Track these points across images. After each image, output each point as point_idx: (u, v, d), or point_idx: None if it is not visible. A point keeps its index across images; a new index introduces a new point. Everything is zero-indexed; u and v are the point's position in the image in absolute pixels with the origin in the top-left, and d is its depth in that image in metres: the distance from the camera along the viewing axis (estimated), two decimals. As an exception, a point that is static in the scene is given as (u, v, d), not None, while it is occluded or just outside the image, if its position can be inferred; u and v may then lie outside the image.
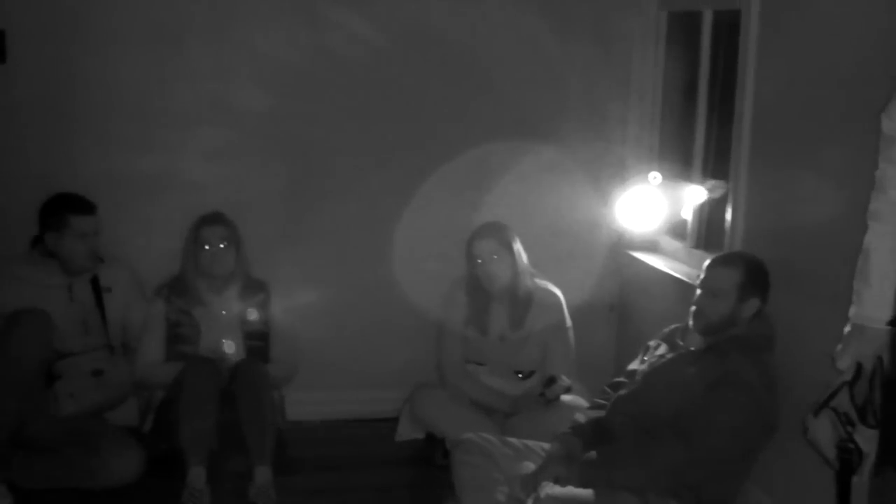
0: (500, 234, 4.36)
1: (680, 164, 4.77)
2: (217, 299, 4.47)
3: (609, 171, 5.05)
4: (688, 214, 4.63)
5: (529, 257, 4.46)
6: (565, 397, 4.22)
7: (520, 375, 4.45)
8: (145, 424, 4.50)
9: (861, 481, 2.77)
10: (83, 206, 4.34)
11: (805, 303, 3.57)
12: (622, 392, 3.69)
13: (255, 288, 4.54)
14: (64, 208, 4.32)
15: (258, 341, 4.49)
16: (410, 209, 4.93)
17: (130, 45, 4.68)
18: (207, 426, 4.06)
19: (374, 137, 4.93)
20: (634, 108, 5.07)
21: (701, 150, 4.57)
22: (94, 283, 4.44)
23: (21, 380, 4.08)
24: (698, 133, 4.58)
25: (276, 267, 4.73)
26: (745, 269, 3.56)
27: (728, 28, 4.31)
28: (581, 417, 3.72)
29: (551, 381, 4.25)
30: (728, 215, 4.07)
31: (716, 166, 4.43)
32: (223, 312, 4.47)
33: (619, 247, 5.10)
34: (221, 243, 4.43)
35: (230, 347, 4.42)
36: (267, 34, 4.78)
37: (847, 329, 2.78)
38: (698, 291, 3.62)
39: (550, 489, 3.37)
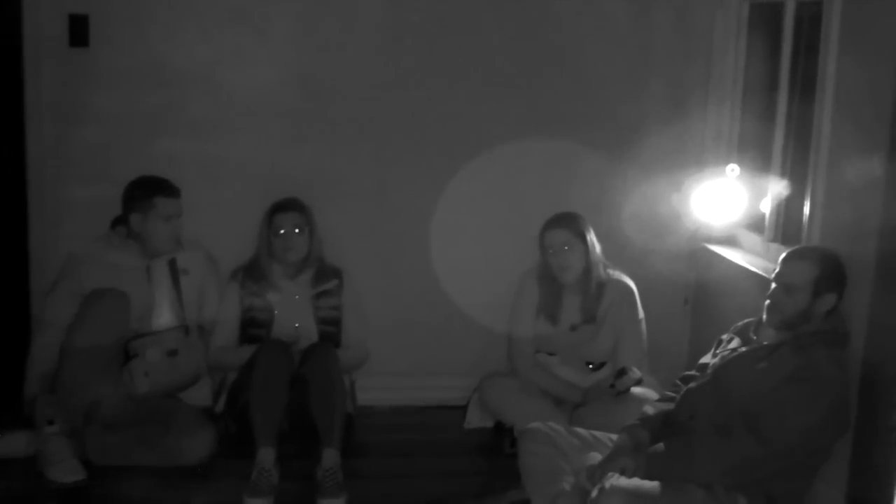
0: (573, 224, 4.33)
1: (759, 157, 4.70)
2: (291, 284, 4.51)
3: (687, 164, 4.99)
4: (766, 208, 4.56)
5: (604, 248, 4.43)
6: (635, 389, 4.18)
7: (590, 366, 4.43)
8: (218, 405, 4.56)
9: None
10: (169, 188, 4.41)
11: (883, 299, 3.49)
12: (692, 385, 3.65)
13: (328, 273, 4.57)
14: (151, 190, 4.38)
15: (330, 326, 4.53)
16: (484, 198, 4.94)
17: (210, 28, 4.73)
18: (278, 408, 4.11)
19: (450, 125, 4.93)
20: (714, 100, 5.00)
21: (781, 143, 4.49)
22: (172, 265, 4.51)
23: (98, 356, 4.15)
24: (778, 125, 4.50)
25: (350, 253, 4.76)
26: (822, 263, 3.50)
27: (810, 20, 4.24)
28: (650, 409, 3.69)
29: (622, 372, 4.21)
30: (806, 209, 4.00)
31: (795, 159, 4.35)
32: (296, 297, 4.51)
33: (696, 240, 5.04)
34: (295, 230, 4.46)
35: (302, 332, 4.45)
36: (349, 14, 4.80)
37: None
38: (773, 285, 3.56)
39: (616, 480, 3.34)
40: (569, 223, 4.33)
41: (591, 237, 4.34)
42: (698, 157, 5.02)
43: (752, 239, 4.76)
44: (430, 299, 5.00)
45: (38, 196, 4.82)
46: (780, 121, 4.49)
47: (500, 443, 4.44)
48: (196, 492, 3.98)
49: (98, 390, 4.21)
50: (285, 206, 4.50)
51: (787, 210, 4.44)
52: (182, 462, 4.13)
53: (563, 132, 4.91)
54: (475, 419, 4.58)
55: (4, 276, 4.83)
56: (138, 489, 3.99)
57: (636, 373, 4.21)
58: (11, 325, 4.85)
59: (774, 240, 4.52)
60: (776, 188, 4.41)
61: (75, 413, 4.14)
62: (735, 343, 3.69)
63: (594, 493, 3.33)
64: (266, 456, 4.00)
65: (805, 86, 4.27)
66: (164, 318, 4.44)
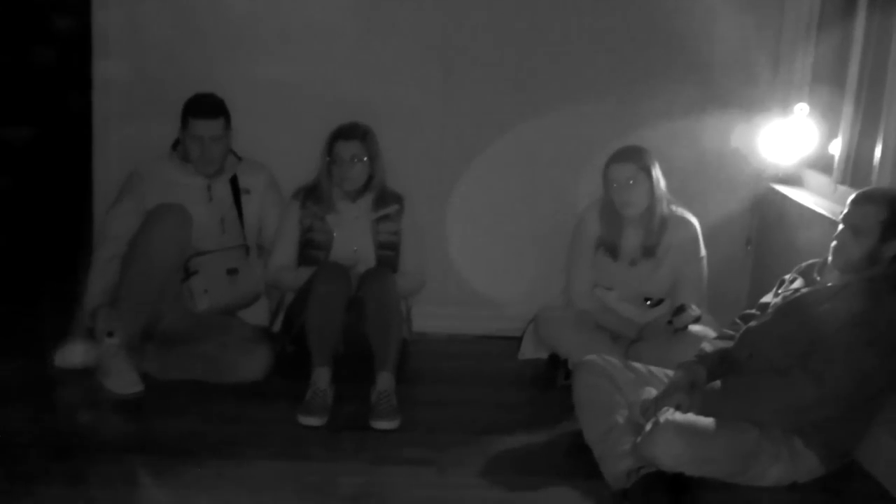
0: (638, 159, 4.26)
1: (830, 97, 4.59)
2: (351, 207, 4.51)
3: (756, 101, 4.89)
4: (835, 149, 4.46)
5: (669, 185, 4.37)
6: (693, 327, 4.14)
7: (648, 302, 4.39)
8: (274, 325, 4.60)
9: None
10: (202, 110, 4.39)
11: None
12: (753, 324, 3.61)
13: (389, 199, 4.56)
14: (187, 110, 4.40)
15: (389, 251, 4.53)
16: (551, 131, 4.90)
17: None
18: (334, 330, 4.13)
19: (525, 59, 4.89)
20: (787, 37, 4.87)
21: (854, 82, 4.38)
22: (234, 183, 4.53)
23: (159, 273, 4.19)
24: (852, 64, 4.38)
25: (412, 179, 4.74)
26: (891, 206, 3.42)
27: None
28: (708, 347, 3.66)
29: (680, 309, 4.17)
30: (878, 150, 3.91)
31: (868, 99, 4.24)
32: (356, 221, 4.50)
33: (762, 180, 4.96)
34: (354, 158, 4.44)
35: (361, 255, 4.46)
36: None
37: None
38: (840, 227, 3.49)
39: (671, 415, 3.33)
40: (634, 157, 4.26)
41: (657, 172, 4.28)
42: (768, 95, 4.92)
43: (820, 180, 4.68)
44: (490, 228, 4.99)
45: (102, 114, 4.89)
46: (855, 58, 4.37)
47: (554, 375, 4.44)
48: (251, 409, 4.02)
49: (158, 305, 4.26)
50: (347, 134, 4.46)
51: (858, 151, 4.33)
52: (238, 379, 4.19)
53: (632, 71, 4.86)
54: (529, 350, 4.57)
55: (69, 191, 4.89)
56: (194, 404, 4.04)
57: (695, 310, 4.16)
58: (75, 239, 4.92)
59: (843, 182, 4.43)
60: (847, 128, 4.31)
61: (134, 327, 4.18)
62: (798, 284, 3.64)
63: (648, 427, 3.32)
64: (321, 376, 4.03)
65: (882, 21, 4.14)
66: (224, 236, 4.47)
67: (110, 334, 4.10)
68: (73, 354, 4.28)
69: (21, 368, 4.28)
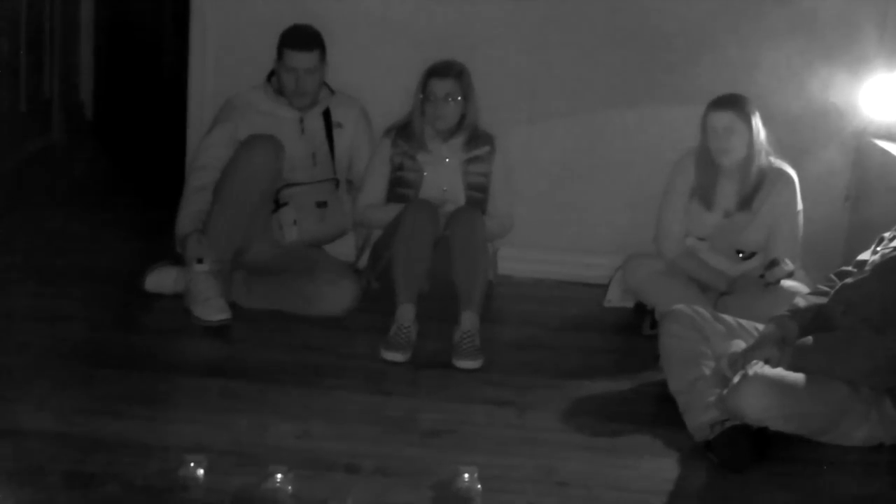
0: (739, 107, 4.15)
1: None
2: (442, 147, 4.48)
3: (861, 53, 4.74)
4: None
5: (768, 136, 4.25)
6: (786, 282, 4.04)
7: (741, 255, 4.30)
8: (360, 261, 4.61)
9: None
10: (298, 41, 4.38)
11: None
12: (848, 280, 3.51)
13: (481, 139, 4.51)
14: (283, 41, 4.39)
15: (478, 192, 4.49)
16: (649, 76, 4.83)
17: None
18: (420, 267, 4.12)
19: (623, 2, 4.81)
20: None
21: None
22: (326, 117, 4.52)
23: (250, 202, 4.22)
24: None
25: (504, 121, 4.69)
26: None
27: None
28: (801, 302, 3.57)
29: (773, 263, 4.08)
30: None
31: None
32: (447, 160, 4.47)
33: (864, 135, 4.82)
34: (448, 97, 4.39)
35: (450, 195, 4.43)
36: None
37: None
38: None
39: (760, 368, 3.27)
40: (735, 105, 4.15)
41: (757, 122, 4.16)
42: (873, 51, 4.76)
43: (925, 136, 4.54)
44: (581, 173, 4.93)
45: (198, 44, 4.92)
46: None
47: (640, 324, 4.39)
48: (335, 342, 4.04)
49: (247, 235, 4.29)
50: (442, 72, 4.41)
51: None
52: (323, 311, 4.20)
53: (736, 16, 4.77)
54: (616, 298, 4.53)
55: (163, 118, 4.95)
56: (279, 334, 4.07)
57: (788, 265, 4.07)
58: (169, 167, 4.98)
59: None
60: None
61: (224, 255, 4.22)
62: (898, 241, 3.53)
63: (735, 379, 3.27)
64: (405, 313, 4.03)
65: None
66: (315, 169, 4.48)
67: (200, 261, 4.13)
68: (162, 280, 4.34)
69: (112, 292, 4.35)
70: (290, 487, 2.84)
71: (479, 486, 2.92)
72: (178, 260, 4.31)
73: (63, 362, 3.65)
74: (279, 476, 2.85)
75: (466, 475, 2.93)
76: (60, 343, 3.80)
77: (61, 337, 3.86)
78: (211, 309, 4.09)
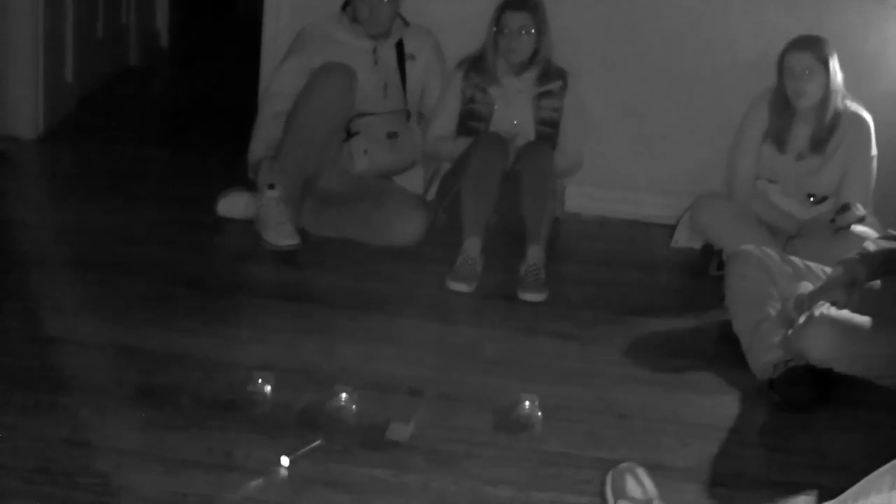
0: (817, 48, 4.09)
1: None
2: (514, 81, 4.46)
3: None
4: None
5: (846, 79, 4.19)
6: (857, 227, 3.99)
7: (812, 199, 4.26)
8: (429, 194, 4.64)
9: None
10: None
11: None
12: (921, 225, 3.48)
13: (554, 75, 4.49)
14: None
15: (548, 128, 4.48)
16: (725, 16, 4.76)
17: None
18: (488, 201, 4.13)
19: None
20: None
21: None
22: (399, 48, 4.53)
23: (322, 130, 4.25)
24: None
25: (578, 57, 4.65)
26: None
27: None
28: (871, 246, 3.52)
29: (845, 208, 4.03)
30: None
31: None
32: (519, 94, 4.46)
33: (946, 82, 4.73)
34: (522, 29, 4.37)
35: (520, 129, 4.43)
36: None
37: None
38: None
39: (826, 310, 3.25)
40: (813, 47, 4.08)
41: (835, 64, 4.10)
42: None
43: None
44: (653, 113, 4.88)
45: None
46: None
47: (707, 264, 4.37)
48: (402, 271, 4.08)
49: (318, 163, 4.33)
50: (516, 5, 4.39)
51: None
52: (391, 241, 4.23)
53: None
54: (683, 238, 4.50)
55: (237, 47, 4.99)
56: (347, 261, 4.12)
57: (860, 209, 4.03)
58: (243, 94, 5.03)
59: None
60: None
61: (295, 182, 4.26)
62: (974, 189, 3.48)
63: (801, 320, 3.25)
64: (472, 245, 4.05)
65: None
66: (387, 100, 4.49)
67: (271, 187, 4.18)
68: (234, 204, 4.39)
69: (185, 216, 4.42)
70: (354, 407, 2.91)
71: (539, 413, 2.97)
72: (250, 186, 4.37)
73: (137, 280, 3.73)
74: (344, 395, 2.91)
75: (528, 402, 2.97)
76: (137, 263, 3.88)
77: (138, 256, 3.95)
78: (281, 234, 4.14)
